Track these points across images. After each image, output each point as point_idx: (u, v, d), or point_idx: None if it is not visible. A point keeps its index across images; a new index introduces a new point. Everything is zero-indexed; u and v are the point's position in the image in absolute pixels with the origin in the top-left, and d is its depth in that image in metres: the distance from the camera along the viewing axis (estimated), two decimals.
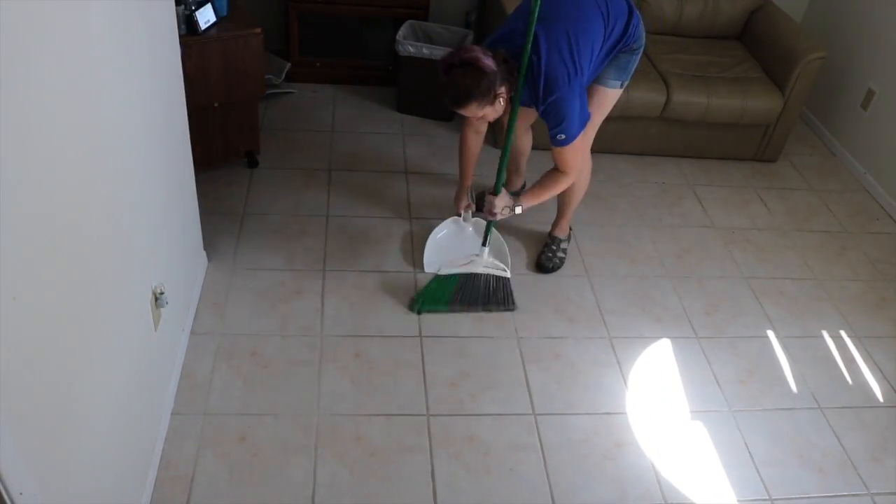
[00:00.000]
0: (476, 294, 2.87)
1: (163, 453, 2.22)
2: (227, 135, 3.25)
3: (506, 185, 3.12)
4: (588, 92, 2.63)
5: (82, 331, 1.58)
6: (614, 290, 3.05)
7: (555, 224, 3.19)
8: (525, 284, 3.00)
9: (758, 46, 3.98)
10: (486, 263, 2.89)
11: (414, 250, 3.09)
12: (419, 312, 2.82)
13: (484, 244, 2.88)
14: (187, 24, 2.81)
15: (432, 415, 2.46)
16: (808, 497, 2.39)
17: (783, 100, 3.72)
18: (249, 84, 3.09)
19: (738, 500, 2.35)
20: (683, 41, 4.01)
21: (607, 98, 2.74)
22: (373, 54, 4.11)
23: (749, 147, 3.93)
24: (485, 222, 2.87)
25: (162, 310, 2.18)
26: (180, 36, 2.46)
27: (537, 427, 2.47)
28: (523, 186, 3.38)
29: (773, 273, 3.26)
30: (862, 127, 4.00)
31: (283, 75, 3.95)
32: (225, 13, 3.00)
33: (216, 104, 3.08)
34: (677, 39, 4.03)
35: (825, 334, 2.98)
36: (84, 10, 1.52)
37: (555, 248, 3.15)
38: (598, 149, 3.79)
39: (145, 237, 2.06)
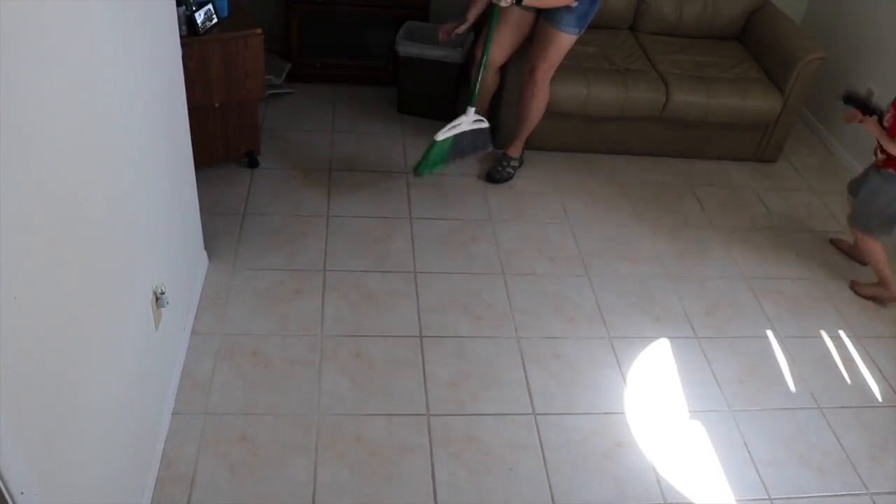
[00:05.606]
0: (464, 147, 3.24)
1: (163, 453, 2.23)
2: (228, 135, 3.25)
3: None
4: (545, 34, 3.13)
5: (83, 331, 1.59)
6: (614, 290, 3.05)
7: (510, 144, 3.56)
8: (525, 284, 3.01)
9: (757, 47, 3.98)
10: (473, 120, 3.13)
11: (414, 250, 3.09)
12: (422, 175, 3.21)
13: (470, 104, 3.11)
14: (188, 24, 2.81)
15: (432, 415, 2.46)
16: (807, 497, 2.39)
17: (783, 100, 3.73)
18: (250, 84, 3.10)
19: (738, 500, 2.35)
20: (683, 41, 4.01)
21: (564, 42, 3.14)
22: (373, 54, 4.11)
23: (749, 147, 3.93)
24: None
25: (162, 310, 2.18)
26: (181, 36, 2.46)
27: (537, 427, 2.47)
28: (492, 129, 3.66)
29: (773, 273, 3.26)
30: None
31: (284, 75, 3.95)
32: (225, 13, 3.01)
33: (216, 104, 3.08)
34: (677, 40, 4.02)
35: (824, 334, 2.99)
36: (84, 10, 1.52)
37: (505, 163, 3.56)
38: (598, 149, 3.85)
39: (146, 237, 2.06)
